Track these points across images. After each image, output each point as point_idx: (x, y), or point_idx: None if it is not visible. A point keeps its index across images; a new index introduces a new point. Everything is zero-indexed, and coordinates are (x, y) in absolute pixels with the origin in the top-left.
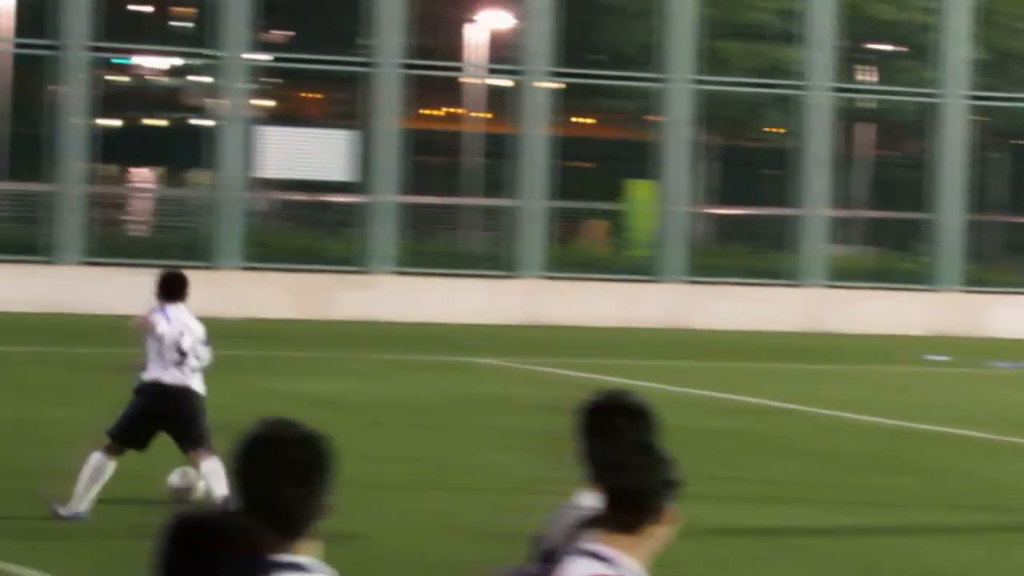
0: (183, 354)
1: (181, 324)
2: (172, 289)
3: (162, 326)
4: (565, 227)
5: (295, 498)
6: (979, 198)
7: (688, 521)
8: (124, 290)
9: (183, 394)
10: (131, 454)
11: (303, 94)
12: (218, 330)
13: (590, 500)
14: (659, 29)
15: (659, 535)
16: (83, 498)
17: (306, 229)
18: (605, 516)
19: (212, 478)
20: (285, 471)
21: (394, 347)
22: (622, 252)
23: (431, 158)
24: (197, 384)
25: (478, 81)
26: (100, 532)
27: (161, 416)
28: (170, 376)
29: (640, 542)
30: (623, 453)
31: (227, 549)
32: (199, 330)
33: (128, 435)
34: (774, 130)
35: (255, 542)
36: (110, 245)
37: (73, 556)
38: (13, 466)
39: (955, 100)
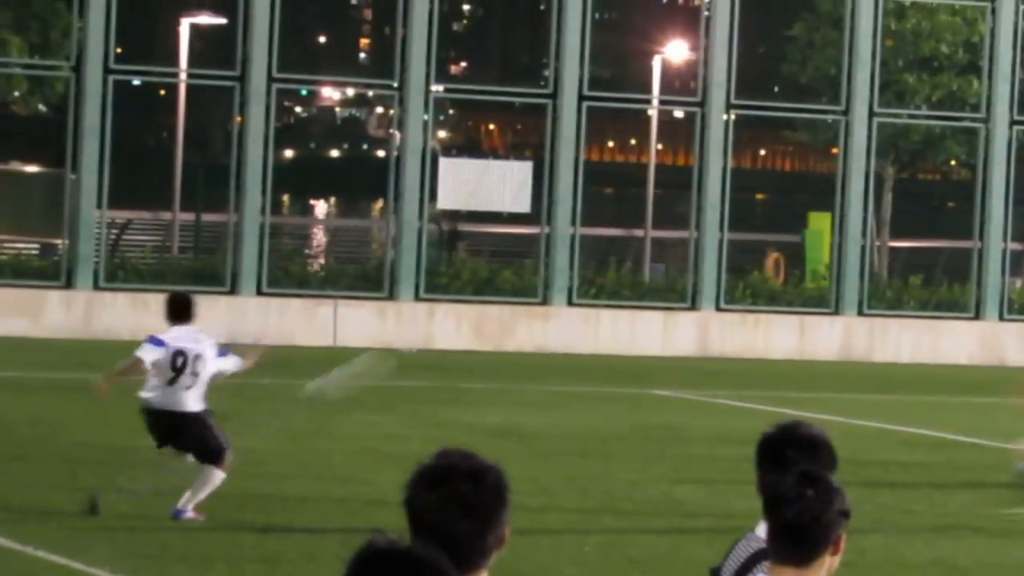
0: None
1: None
2: (180, 311)
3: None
4: (741, 259)
5: (466, 530)
6: None
7: (859, 553)
8: (301, 321)
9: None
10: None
11: (482, 125)
12: (397, 361)
13: (766, 531)
14: (839, 61)
15: (827, 565)
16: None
17: (483, 260)
18: (775, 548)
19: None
20: (456, 503)
21: (570, 378)
22: (798, 284)
23: (609, 189)
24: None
25: (657, 112)
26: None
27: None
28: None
29: (810, 573)
30: (790, 485)
31: None
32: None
33: None
34: (954, 162)
35: (441, 573)
36: (288, 276)
37: None
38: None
39: None
